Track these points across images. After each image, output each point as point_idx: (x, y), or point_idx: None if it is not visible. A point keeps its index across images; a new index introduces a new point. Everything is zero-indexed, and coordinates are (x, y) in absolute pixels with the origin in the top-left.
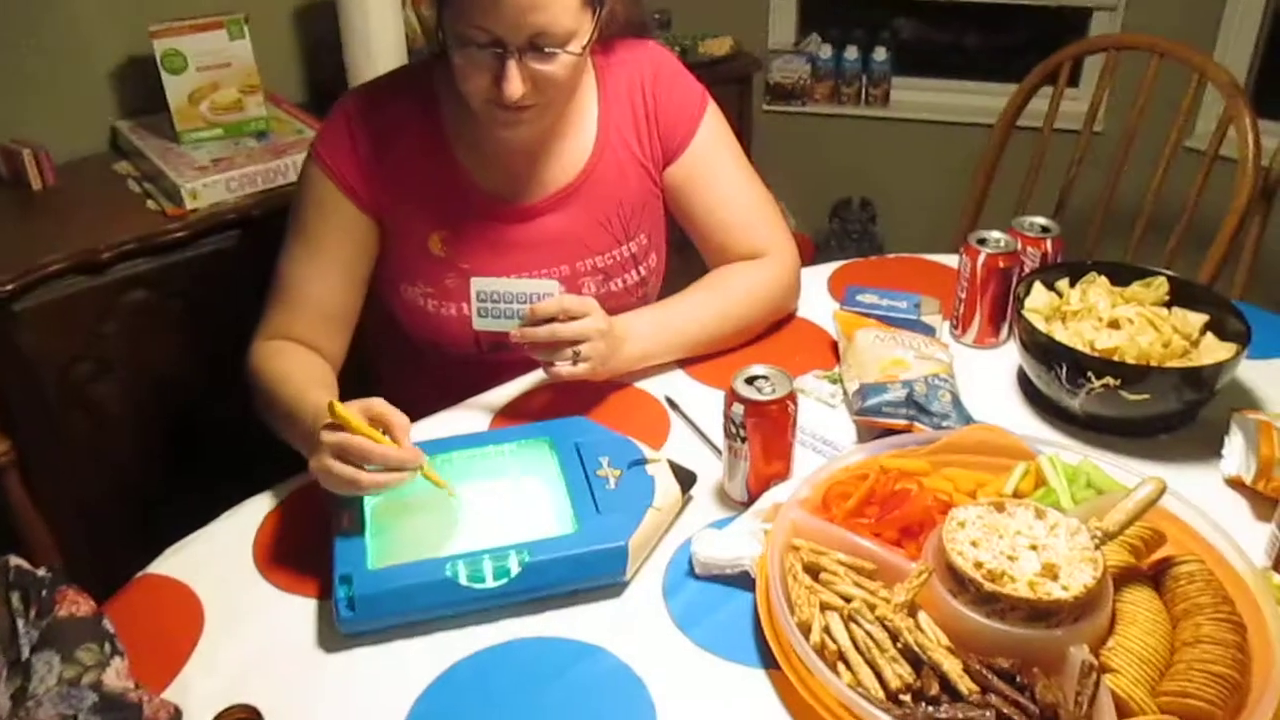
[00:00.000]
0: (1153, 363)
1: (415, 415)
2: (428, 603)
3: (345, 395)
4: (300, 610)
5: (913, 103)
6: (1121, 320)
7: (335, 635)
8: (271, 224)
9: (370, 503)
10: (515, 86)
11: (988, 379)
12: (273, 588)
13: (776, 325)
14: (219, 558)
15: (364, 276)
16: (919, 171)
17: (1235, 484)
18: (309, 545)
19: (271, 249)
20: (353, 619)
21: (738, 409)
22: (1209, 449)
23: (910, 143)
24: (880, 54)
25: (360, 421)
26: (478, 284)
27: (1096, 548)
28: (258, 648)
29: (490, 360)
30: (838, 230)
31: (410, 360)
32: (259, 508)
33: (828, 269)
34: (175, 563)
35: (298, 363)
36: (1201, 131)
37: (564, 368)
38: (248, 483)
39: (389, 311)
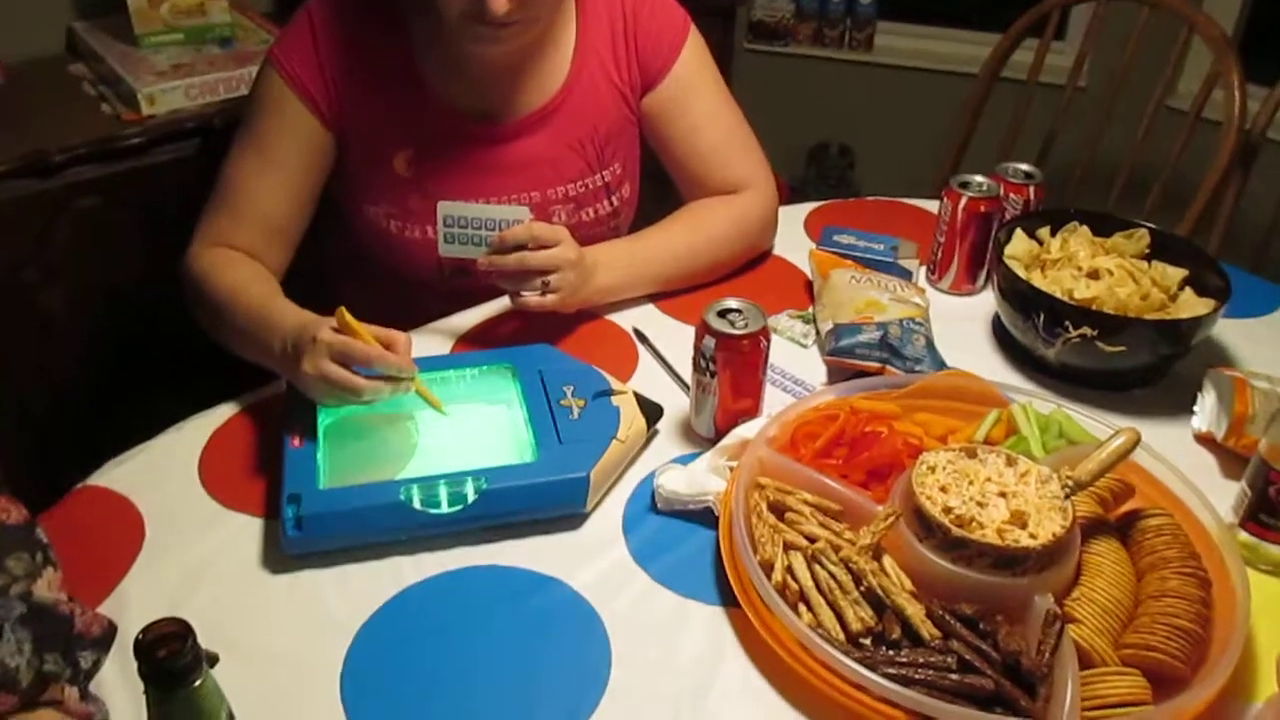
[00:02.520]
0: (1130, 314)
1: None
2: (379, 526)
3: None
4: (246, 528)
5: (897, 48)
6: (1101, 271)
7: (281, 555)
8: (232, 135)
9: (324, 422)
10: (500, 1)
11: (963, 325)
12: (218, 504)
13: (751, 263)
14: (163, 471)
15: (314, 191)
16: (900, 119)
17: (1205, 440)
18: (258, 463)
19: None
20: (299, 538)
21: (709, 342)
22: (1181, 405)
23: (893, 89)
24: None
25: (365, 331)
26: (444, 208)
27: (1067, 497)
28: (199, 564)
29: (455, 287)
30: (814, 176)
31: (372, 283)
32: (207, 422)
33: (804, 209)
34: (116, 475)
35: (253, 274)
36: (1184, 91)
37: (532, 297)
38: (197, 398)
39: (353, 231)
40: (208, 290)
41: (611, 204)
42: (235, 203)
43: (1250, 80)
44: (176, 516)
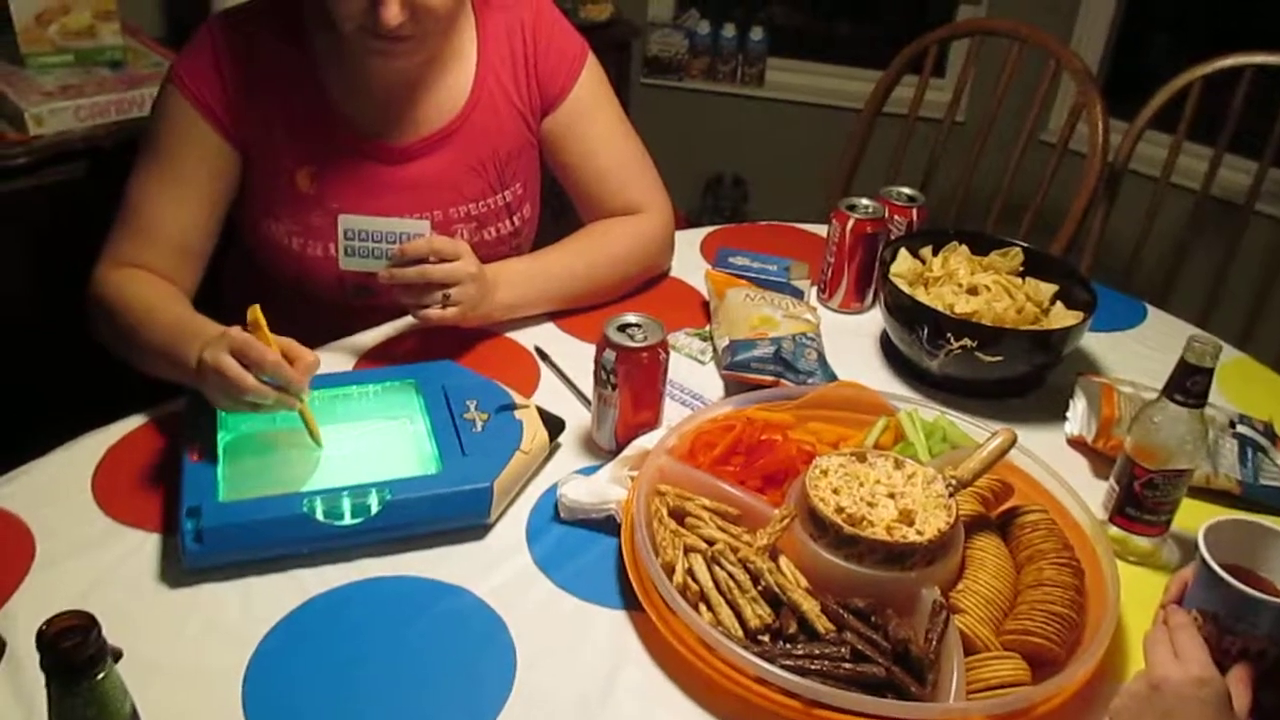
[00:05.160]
0: (1007, 326)
1: None
2: (281, 538)
3: None
4: (142, 544)
5: (787, 84)
6: (980, 287)
7: (180, 571)
8: (124, 158)
9: (224, 439)
10: (392, 13)
11: (852, 341)
12: (112, 521)
13: (650, 283)
14: (55, 488)
15: (221, 209)
16: (791, 152)
17: (1077, 444)
18: (155, 478)
19: (123, 183)
20: (199, 552)
21: (609, 355)
22: (1054, 413)
23: (784, 123)
24: (757, 33)
25: (272, 338)
26: (345, 221)
27: (950, 495)
28: (94, 581)
29: (357, 304)
30: (710, 207)
31: (272, 302)
32: (101, 439)
33: (700, 232)
34: (6, 492)
35: (170, 292)
36: (1054, 127)
37: (433, 311)
38: (88, 418)
39: (250, 250)
40: (119, 308)
41: (513, 224)
42: (141, 223)
43: (1114, 116)
44: (69, 533)
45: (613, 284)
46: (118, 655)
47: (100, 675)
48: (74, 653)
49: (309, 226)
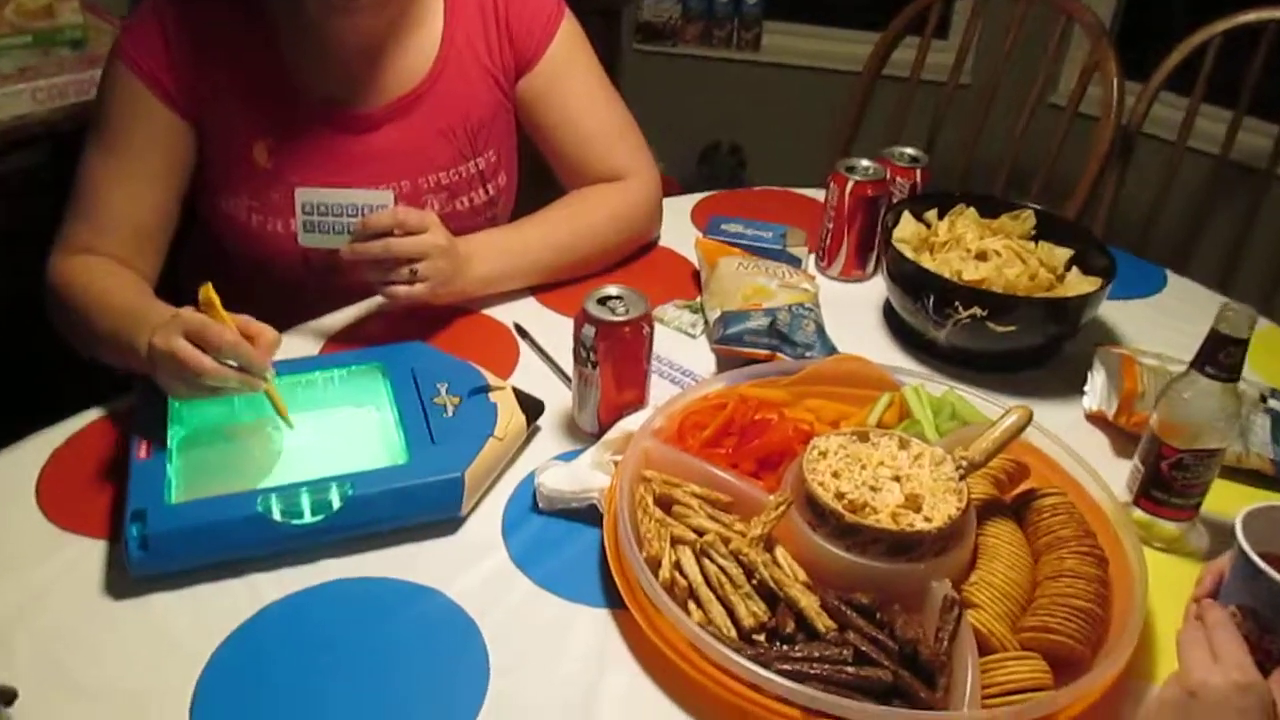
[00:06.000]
0: (1019, 294)
1: None
2: (235, 542)
3: None
4: (87, 552)
5: (784, 48)
6: (989, 252)
7: (126, 580)
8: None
9: (177, 432)
10: None
11: (852, 311)
12: (55, 527)
13: (637, 253)
14: None
15: (178, 187)
16: (789, 118)
17: (1096, 419)
18: (104, 481)
19: None
20: (145, 559)
21: (588, 330)
22: (1070, 385)
23: (781, 88)
24: None
25: (228, 316)
26: (302, 195)
27: (961, 478)
28: (34, 594)
29: (323, 286)
30: (706, 175)
31: (233, 284)
32: (45, 441)
33: (691, 199)
34: None
35: (126, 279)
36: (1064, 90)
37: (400, 288)
38: (39, 415)
39: (208, 229)
40: (71, 296)
41: (487, 193)
42: (94, 209)
43: (1127, 77)
44: (8, 543)
45: (596, 255)
46: (10, 697)
47: None
48: None
49: (268, 202)
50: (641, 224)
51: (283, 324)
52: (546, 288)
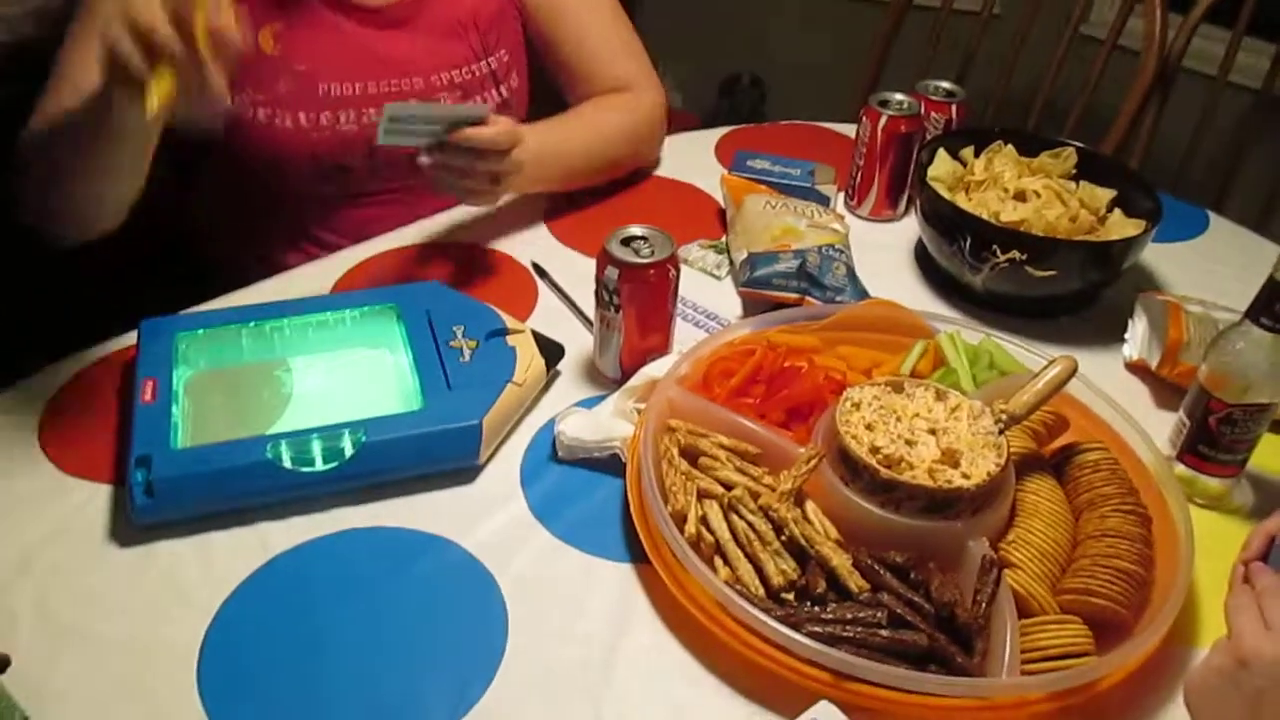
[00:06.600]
0: (1060, 237)
1: (246, 277)
2: (243, 489)
3: (167, 256)
4: (91, 497)
5: None
6: (1028, 192)
7: (132, 528)
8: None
9: (183, 374)
10: None
11: (884, 253)
12: (58, 471)
13: (659, 190)
14: None
15: None
16: (813, 51)
17: (1137, 369)
18: (108, 424)
19: None
20: (150, 506)
21: (611, 273)
22: (1110, 333)
23: (805, 19)
24: None
25: None
26: (392, 109)
27: (1001, 432)
28: (37, 541)
29: (331, 191)
30: (726, 110)
31: (248, 211)
32: (46, 382)
33: (715, 134)
34: None
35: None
36: (1098, 19)
37: (476, 197)
38: (37, 356)
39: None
40: (33, 140)
41: (500, 94)
42: (64, 80)
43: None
44: (11, 488)
45: (608, 166)
46: (3, 664)
47: None
48: None
49: (276, 95)
50: (649, 136)
51: (295, 241)
52: (565, 225)
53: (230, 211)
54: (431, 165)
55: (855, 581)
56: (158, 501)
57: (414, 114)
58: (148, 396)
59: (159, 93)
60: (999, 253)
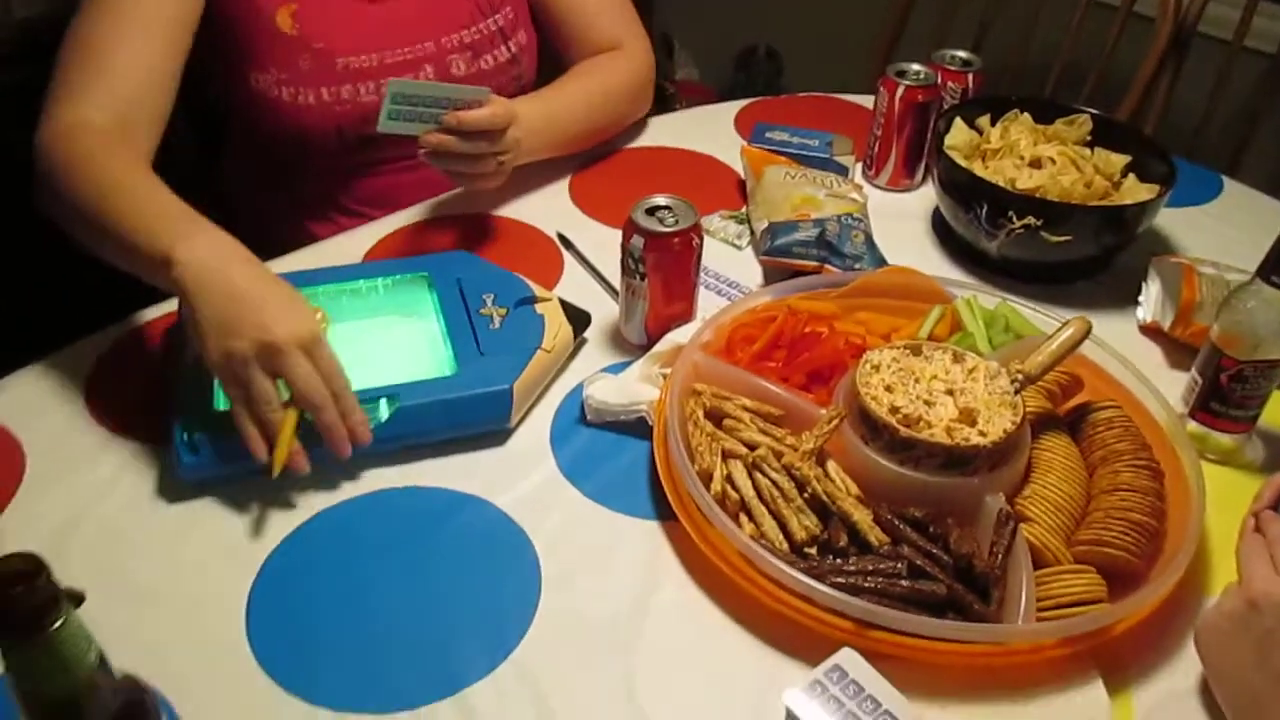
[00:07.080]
0: (1075, 202)
1: (278, 247)
2: None
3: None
4: (137, 456)
5: None
6: (1043, 159)
7: (176, 484)
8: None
9: None
10: None
11: (902, 221)
12: (105, 431)
13: (680, 161)
14: (45, 398)
15: (180, 59)
16: (829, 21)
17: (1150, 331)
18: (152, 386)
19: None
20: (195, 464)
21: (637, 241)
22: (1124, 297)
23: None
24: None
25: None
26: (395, 85)
27: (1016, 392)
28: (87, 497)
29: (356, 162)
30: (742, 82)
31: (273, 186)
32: (94, 344)
33: (734, 106)
34: None
35: (130, 163)
36: None
37: (481, 180)
38: (79, 328)
39: (244, 116)
40: (73, 184)
41: (509, 50)
42: (94, 73)
43: None
44: (61, 446)
45: (607, 123)
46: (78, 599)
47: (56, 625)
48: (20, 603)
49: (298, 73)
50: (640, 93)
51: (325, 212)
52: (588, 194)
53: (259, 185)
54: (430, 153)
55: (876, 535)
56: (202, 459)
57: (417, 93)
58: (190, 359)
59: (283, 441)
60: (1015, 219)
